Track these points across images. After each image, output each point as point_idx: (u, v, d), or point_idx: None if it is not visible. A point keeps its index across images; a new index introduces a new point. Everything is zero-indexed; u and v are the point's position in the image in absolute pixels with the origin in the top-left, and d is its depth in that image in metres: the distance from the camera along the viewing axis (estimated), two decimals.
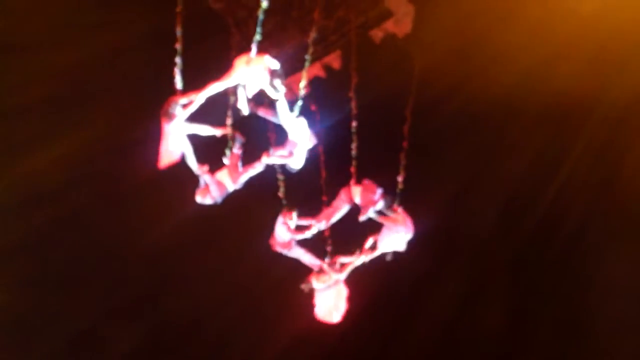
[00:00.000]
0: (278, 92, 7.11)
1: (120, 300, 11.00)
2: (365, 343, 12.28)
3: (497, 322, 11.76)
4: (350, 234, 8.57)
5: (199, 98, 7.15)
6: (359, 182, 8.22)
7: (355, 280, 11.51)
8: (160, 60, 8.36)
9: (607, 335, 11.32)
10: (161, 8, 9.09)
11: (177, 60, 7.33)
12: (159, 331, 11.30)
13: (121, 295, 10.98)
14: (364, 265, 11.33)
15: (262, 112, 7.50)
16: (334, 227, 8.46)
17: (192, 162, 7.50)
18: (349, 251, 8.55)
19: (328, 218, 8.23)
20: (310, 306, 11.21)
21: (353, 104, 8.62)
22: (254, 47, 6.99)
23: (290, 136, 7.56)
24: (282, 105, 7.30)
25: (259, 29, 7.10)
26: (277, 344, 11.74)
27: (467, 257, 11.72)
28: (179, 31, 7.48)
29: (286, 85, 9.24)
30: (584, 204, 11.34)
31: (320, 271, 8.52)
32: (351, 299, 11.81)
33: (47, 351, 10.74)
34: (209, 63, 7.52)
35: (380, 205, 8.04)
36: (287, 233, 8.27)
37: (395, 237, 8.26)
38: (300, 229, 8.28)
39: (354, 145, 8.41)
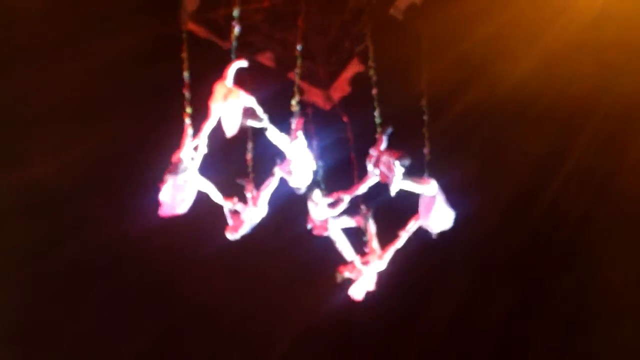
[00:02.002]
0: (260, 122, 7.28)
1: (128, 303, 11.13)
2: (371, 337, 12.36)
3: (499, 319, 11.78)
4: (388, 225, 8.69)
5: (200, 144, 7.30)
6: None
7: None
8: (168, 68, 8.52)
9: (608, 332, 11.35)
10: (168, 16, 9.29)
11: (187, 110, 7.40)
12: (168, 332, 11.40)
13: (129, 298, 11.10)
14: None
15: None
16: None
17: (218, 199, 7.71)
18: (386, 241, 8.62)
19: (355, 189, 8.19)
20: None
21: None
22: (230, 75, 7.15)
23: (289, 156, 7.64)
24: (272, 132, 7.44)
25: (233, 55, 7.25)
26: (287, 338, 11.86)
27: (470, 253, 11.75)
28: (186, 76, 7.57)
29: (324, 94, 9.46)
30: (586, 202, 11.36)
31: (351, 264, 8.58)
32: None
33: (53, 354, 10.85)
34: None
35: (400, 166, 7.81)
36: (320, 211, 8.24)
37: (433, 217, 8.23)
38: (332, 204, 8.26)
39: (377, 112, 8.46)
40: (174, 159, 7.38)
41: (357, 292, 8.68)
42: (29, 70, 9.57)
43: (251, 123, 7.25)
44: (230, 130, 7.22)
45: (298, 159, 7.62)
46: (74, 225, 10.49)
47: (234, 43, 7.42)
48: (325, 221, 8.33)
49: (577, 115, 10.80)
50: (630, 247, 11.22)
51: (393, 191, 7.75)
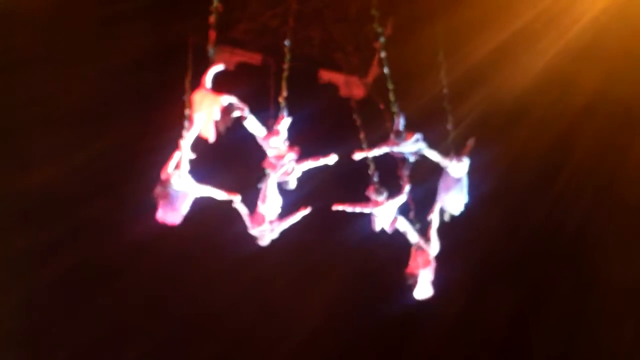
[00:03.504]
0: (241, 112, 7.29)
1: (132, 308, 11.19)
2: (377, 338, 12.43)
3: (500, 320, 11.85)
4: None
5: (183, 157, 7.28)
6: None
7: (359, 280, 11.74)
8: (172, 73, 8.58)
9: (609, 333, 11.40)
10: (173, 21, 9.34)
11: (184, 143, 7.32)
12: (171, 337, 11.42)
13: (133, 302, 11.18)
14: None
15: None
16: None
17: (222, 196, 7.63)
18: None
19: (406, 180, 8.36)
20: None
21: None
22: (208, 81, 7.19)
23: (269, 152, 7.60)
24: (251, 123, 7.44)
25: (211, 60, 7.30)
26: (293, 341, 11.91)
27: (471, 254, 11.79)
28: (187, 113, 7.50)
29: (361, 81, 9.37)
30: (587, 204, 11.40)
31: (419, 249, 8.70)
32: (360, 297, 12.05)
33: (61, 356, 10.88)
34: None
35: (414, 143, 8.04)
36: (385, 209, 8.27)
37: (451, 196, 8.41)
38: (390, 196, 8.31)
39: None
40: (162, 175, 7.43)
41: (423, 291, 8.79)
42: (33, 75, 9.59)
43: (233, 114, 7.29)
44: (211, 136, 7.25)
45: (279, 155, 7.55)
46: (78, 229, 10.53)
47: (211, 50, 7.49)
48: (394, 218, 8.39)
49: (578, 120, 10.88)
50: (631, 248, 11.27)
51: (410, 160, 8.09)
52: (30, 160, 10.26)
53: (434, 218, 8.72)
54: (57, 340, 10.87)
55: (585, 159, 11.21)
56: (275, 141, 7.51)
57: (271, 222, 7.80)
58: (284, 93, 7.87)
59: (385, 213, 8.30)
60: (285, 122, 7.60)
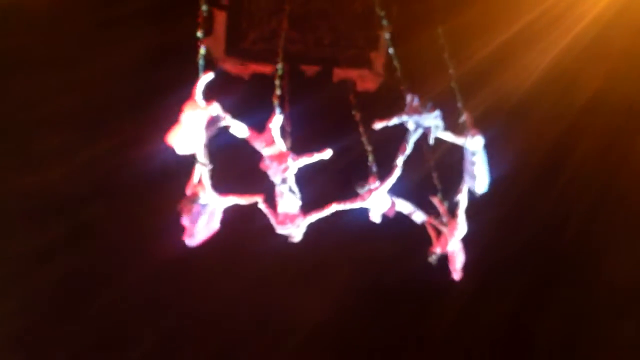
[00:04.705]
0: (223, 120, 7.29)
1: (132, 310, 11.22)
2: (379, 337, 12.45)
3: (502, 319, 11.90)
4: None
5: (202, 171, 7.38)
6: None
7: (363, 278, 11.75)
8: (174, 73, 8.57)
9: (610, 332, 11.43)
10: (174, 21, 9.31)
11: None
12: (171, 339, 11.51)
13: (133, 304, 11.21)
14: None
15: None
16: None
17: (246, 201, 7.71)
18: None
19: (404, 149, 8.01)
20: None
21: None
22: (199, 92, 7.21)
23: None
24: (236, 128, 7.45)
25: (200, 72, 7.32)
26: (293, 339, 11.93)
27: (472, 253, 11.78)
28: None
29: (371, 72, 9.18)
30: (588, 203, 11.42)
31: (434, 230, 8.67)
32: (361, 296, 12.05)
33: (61, 356, 10.94)
34: None
35: (422, 111, 7.91)
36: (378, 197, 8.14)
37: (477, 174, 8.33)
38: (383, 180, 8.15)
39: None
40: (187, 190, 7.47)
41: (456, 269, 8.78)
42: (34, 75, 9.65)
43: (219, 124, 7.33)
44: (200, 148, 7.33)
45: (274, 155, 7.55)
46: (78, 230, 10.57)
47: (201, 61, 7.51)
48: (393, 203, 8.25)
49: (580, 119, 10.89)
50: (633, 247, 11.29)
51: (431, 139, 7.91)
52: (30, 161, 10.26)
53: (462, 199, 8.56)
54: (56, 341, 10.93)
55: (587, 158, 11.24)
56: (269, 141, 7.52)
57: (293, 218, 7.79)
58: (277, 92, 7.87)
59: (377, 202, 8.15)
60: (276, 121, 7.61)
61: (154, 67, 9.94)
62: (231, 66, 10.36)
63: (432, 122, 7.95)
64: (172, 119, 7.98)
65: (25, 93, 9.78)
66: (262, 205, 7.79)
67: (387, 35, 8.75)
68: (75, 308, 11.00)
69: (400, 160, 7.95)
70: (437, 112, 7.94)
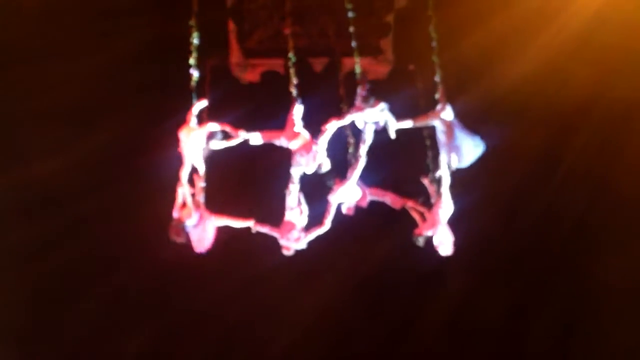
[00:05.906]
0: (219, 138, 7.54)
1: (129, 305, 11.16)
2: (370, 337, 12.43)
3: (497, 319, 11.87)
4: None
5: (186, 194, 7.56)
6: None
7: (357, 276, 11.76)
8: (172, 67, 8.58)
9: (606, 333, 11.43)
10: (172, 15, 9.32)
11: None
12: (170, 334, 11.43)
13: (130, 299, 11.15)
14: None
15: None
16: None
17: (240, 225, 7.89)
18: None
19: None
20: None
21: None
22: (193, 118, 7.38)
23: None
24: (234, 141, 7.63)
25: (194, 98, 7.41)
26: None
27: (466, 253, 11.78)
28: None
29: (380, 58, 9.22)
30: (583, 203, 11.45)
31: (417, 213, 8.61)
32: (354, 296, 12.05)
33: (53, 355, 10.88)
34: None
35: (365, 108, 7.89)
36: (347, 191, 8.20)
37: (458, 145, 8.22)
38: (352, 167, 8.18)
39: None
40: (174, 214, 7.60)
41: (445, 247, 8.63)
42: (31, 69, 9.60)
43: (217, 144, 7.41)
44: (202, 168, 7.57)
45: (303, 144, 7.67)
46: (75, 225, 10.50)
47: (194, 82, 7.59)
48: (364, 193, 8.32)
49: (575, 116, 10.92)
50: (629, 247, 11.31)
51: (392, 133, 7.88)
52: (28, 155, 10.23)
53: (444, 175, 8.35)
54: (56, 335, 10.85)
55: (582, 156, 11.24)
56: (291, 135, 7.58)
57: (300, 230, 7.82)
58: (294, 80, 7.91)
59: (346, 194, 8.21)
60: (297, 110, 7.63)
61: (150, 62, 9.94)
62: (241, 71, 10.40)
63: (380, 117, 7.88)
64: (167, 114, 8.04)
65: (22, 86, 9.74)
66: (256, 228, 7.84)
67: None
68: (67, 305, 10.93)
69: (363, 151, 7.93)
70: (381, 106, 7.85)
